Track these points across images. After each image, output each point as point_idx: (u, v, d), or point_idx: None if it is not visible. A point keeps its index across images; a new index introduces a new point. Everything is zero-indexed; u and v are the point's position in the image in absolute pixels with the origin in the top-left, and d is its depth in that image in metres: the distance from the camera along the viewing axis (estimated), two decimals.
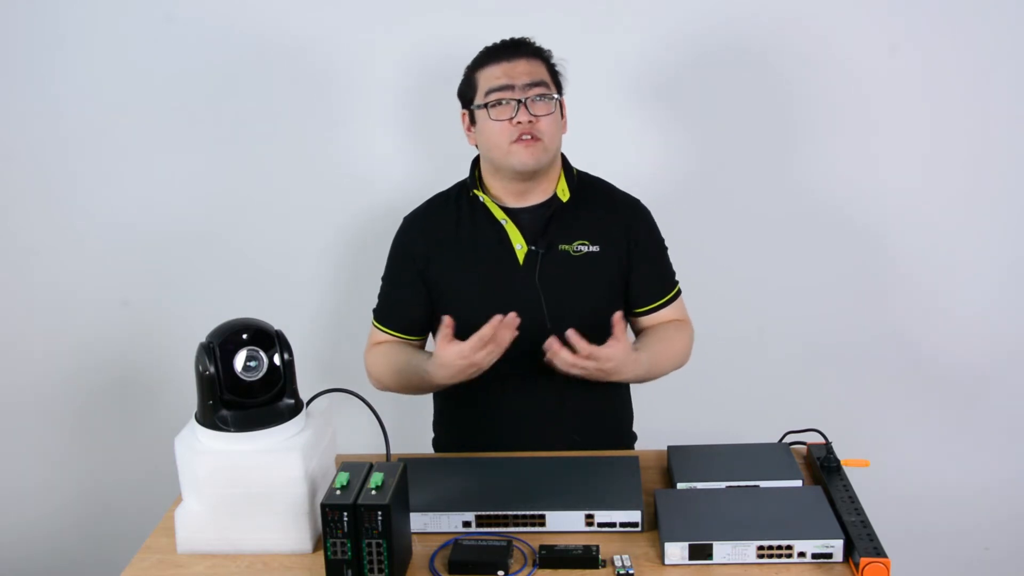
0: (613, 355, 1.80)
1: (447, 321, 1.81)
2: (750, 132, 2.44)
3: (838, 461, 1.70)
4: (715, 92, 2.42)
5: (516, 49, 1.92)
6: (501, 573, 1.45)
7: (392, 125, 2.46)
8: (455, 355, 1.78)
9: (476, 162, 2.02)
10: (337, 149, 2.48)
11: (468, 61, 1.97)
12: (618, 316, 1.84)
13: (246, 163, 2.48)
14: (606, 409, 2.04)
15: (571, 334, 1.78)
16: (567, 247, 1.95)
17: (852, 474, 1.68)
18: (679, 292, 2.05)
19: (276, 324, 1.60)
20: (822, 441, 1.76)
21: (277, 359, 1.56)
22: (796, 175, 2.46)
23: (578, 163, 2.04)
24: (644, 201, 2.05)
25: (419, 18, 2.38)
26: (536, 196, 1.96)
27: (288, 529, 1.53)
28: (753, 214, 2.48)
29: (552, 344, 1.78)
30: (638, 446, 2.10)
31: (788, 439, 1.81)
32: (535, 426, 1.95)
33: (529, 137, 1.87)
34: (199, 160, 2.49)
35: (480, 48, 1.96)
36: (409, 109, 2.44)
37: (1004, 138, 2.42)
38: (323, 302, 2.57)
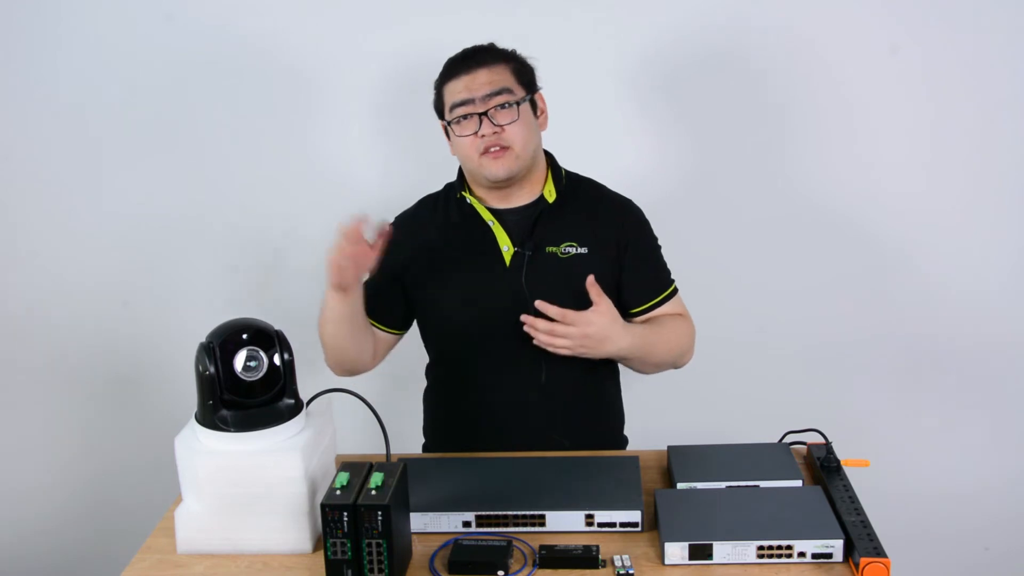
0: (594, 319, 1.77)
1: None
2: (750, 132, 2.44)
3: (838, 461, 1.70)
4: (714, 92, 2.42)
5: (475, 59, 1.89)
6: (501, 573, 1.45)
7: (397, 126, 2.46)
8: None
9: None
10: (338, 149, 2.47)
11: None
12: (591, 279, 1.78)
13: (246, 163, 2.48)
14: (595, 411, 2.01)
15: (540, 304, 1.76)
16: (555, 249, 1.92)
17: (852, 474, 1.68)
18: (675, 291, 2.01)
19: (276, 324, 1.60)
20: (822, 441, 1.76)
21: (277, 359, 1.56)
22: (796, 176, 2.46)
23: (577, 164, 2.03)
24: (644, 202, 2.02)
25: (419, 19, 2.37)
26: (522, 198, 1.94)
27: (288, 529, 1.53)
28: (753, 215, 2.48)
29: (527, 317, 1.77)
30: (630, 449, 2.09)
31: (788, 439, 1.81)
32: (523, 427, 1.94)
33: (497, 148, 1.85)
34: (199, 160, 2.49)
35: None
36: (412, 110, 2.43)
37: (1004, 139, 2.41)
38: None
